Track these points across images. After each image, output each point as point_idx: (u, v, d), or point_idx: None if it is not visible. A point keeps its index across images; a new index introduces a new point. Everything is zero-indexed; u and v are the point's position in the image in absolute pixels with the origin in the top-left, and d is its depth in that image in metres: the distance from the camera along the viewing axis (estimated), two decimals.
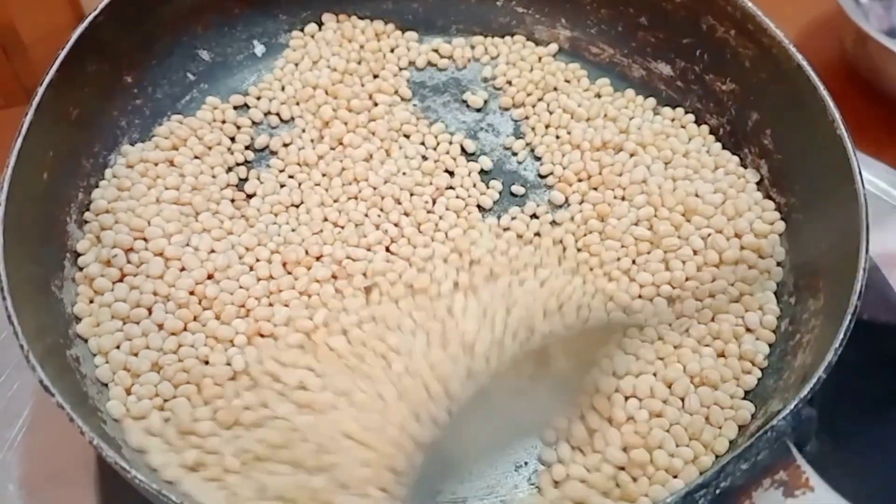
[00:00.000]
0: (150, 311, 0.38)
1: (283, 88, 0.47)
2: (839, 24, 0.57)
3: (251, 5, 0.49)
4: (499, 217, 0.43)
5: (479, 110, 0.48)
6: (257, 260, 0.40)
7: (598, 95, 0.48)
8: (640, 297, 0.40)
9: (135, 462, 0.32)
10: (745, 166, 0.45)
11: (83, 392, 0.35)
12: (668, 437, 0.34)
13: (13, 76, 0.57)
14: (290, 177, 0.44)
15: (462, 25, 0.51)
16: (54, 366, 0.33)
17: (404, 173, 0.44)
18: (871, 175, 0.49)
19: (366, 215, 0.42)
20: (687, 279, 0.40)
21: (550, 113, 0.47)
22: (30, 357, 0.31)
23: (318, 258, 0.40)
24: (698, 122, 0.47)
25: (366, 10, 0.51)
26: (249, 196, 0.43)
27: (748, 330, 0.39)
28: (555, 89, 0.48)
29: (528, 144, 0.47)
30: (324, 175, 0.44)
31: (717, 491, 0.28)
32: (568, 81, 0.49)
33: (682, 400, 0.36)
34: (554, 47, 0.50)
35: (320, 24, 0.50)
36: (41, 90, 0.38)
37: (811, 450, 0.31)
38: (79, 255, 0.39)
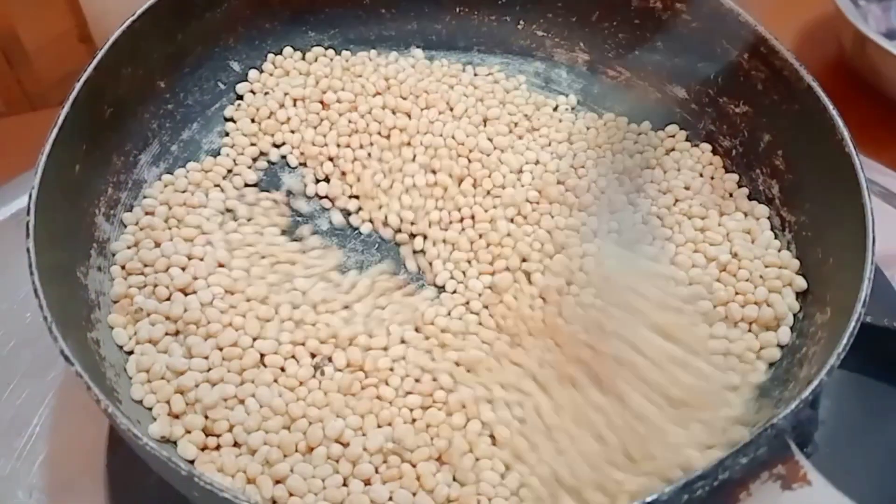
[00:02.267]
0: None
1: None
2: (838, 26, 0.57)
3: (281, 20, 0.51)
4: None
5: None
6: None
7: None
8: None
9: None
10: (758, 188, 0.46)
11: (101, 372, 0.36)
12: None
13: (16, 83, 0.58)
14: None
15: (483, 46, 0.53)
16: (75, 343, 0.34)
17: None
18: (870, 176, 0.49)
19: None
20: None
21: None
22: (53, 328, 0.32)
23: None
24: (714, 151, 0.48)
25: (391, 30, 0.53)
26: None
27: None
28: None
29: None
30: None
31: (716, 483, 0.29)
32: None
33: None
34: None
35: (346, 42, 0.52)
36: (78, 86, 0.40)
37: (812, 451, 0.32)
38: (103, 244, 0.41)
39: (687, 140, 0.48)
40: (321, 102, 0.48)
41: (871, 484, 0.34)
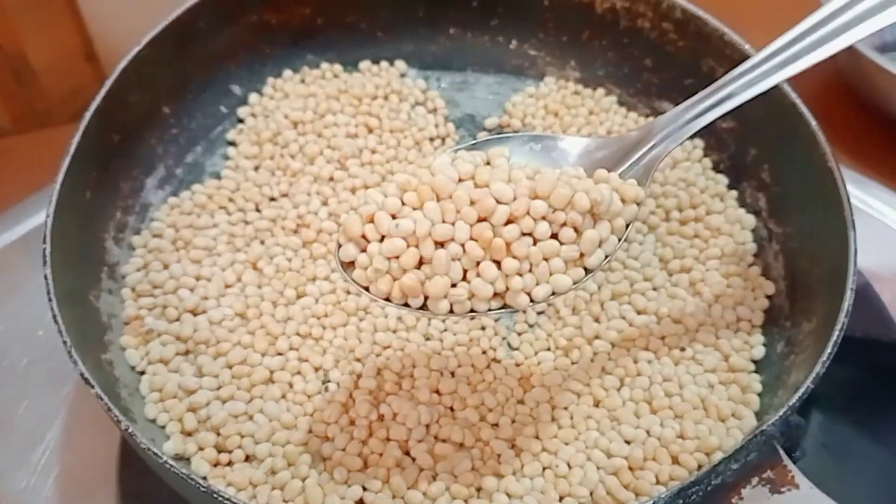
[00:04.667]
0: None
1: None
2: None
3: (281, 45, 0.52)
4: None
5: None
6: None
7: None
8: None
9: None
10: (745, 199, 0.47)
11: (116, 393, 0.37)
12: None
13: (23, 101, 0.59)
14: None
15: (477, 66, 0.54)
16: (91, 365, 0.35)
17: None
18: (864, 193, 0.50)
19: None
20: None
21: None
22: (72, 352, 0.33)
23: None
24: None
25: (387, 52, 0.54)
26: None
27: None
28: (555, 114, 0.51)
29: None
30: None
31: (709, 488, 0.30)
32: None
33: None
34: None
35: (344, 65, 0.53)
36: (88, 115, 0.41)
37: (800, 456, 0.33)
38: (113, 267, 0.42)
39: None
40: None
41: (857, 488, 0.36)
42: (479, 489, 0.36)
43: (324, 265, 0.44)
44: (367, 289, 0.32)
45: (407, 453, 0.37)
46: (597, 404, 0.39)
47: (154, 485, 0.34)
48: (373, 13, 0.53)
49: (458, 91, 0.54)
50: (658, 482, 0.36)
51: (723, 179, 0.48)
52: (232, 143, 0.50)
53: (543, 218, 0.32)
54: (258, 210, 0.47)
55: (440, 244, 0.32)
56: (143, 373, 0.40)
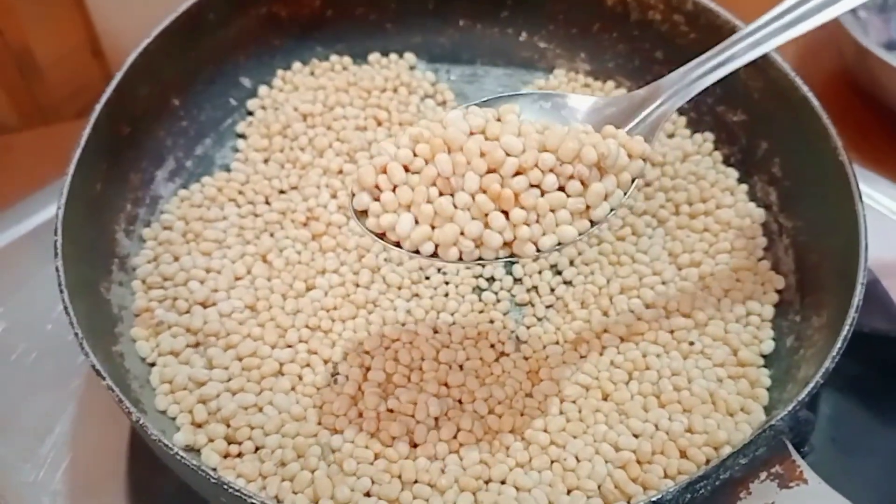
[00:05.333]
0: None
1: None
2: (839, 38, 0.58)
3: (290, 36, 0.52)
4: None
5: None
6: None
7: None
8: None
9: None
10: (755, 193, 0.47)
11: (127, 384, 0.37)
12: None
13: (29, 97, 0.59)
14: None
15: (487, 58, 0.54)
16: (102, 357, 0.35)
17: None
18: (872, 190, 0.50)
19: None
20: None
21: None
22: (84, 344, 0.33)
23: None
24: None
25: (397, 45, 0.54)
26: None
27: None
28: None
29: None
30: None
31: (717, 482, 0.30)
32: None
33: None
34: None
35: (353, 57, 0.53)
36: (98, 107, 0.41)
37: (809, 451, 0.33)
38: (124, 259, 0.42)
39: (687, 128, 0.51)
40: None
41: (865, 483, 0.36)
42: (487, 481, 0.36)
43: (333, 258, 0.44)
44: (381, 236, 0.34)
45: (415, 446, 0.37)
46: (605, 398, 0.39)
47: (163, 478, 0.34)
48: (382, 5, 0.53)
49: (467, 84, 0.54)
50: (666, 476, 0.36)
51: (733, 173, 0.48)
52: (241, 136, 0.50)
53: (551, 170, 0.33)
54: (268, 203, 0.47)
55: (450, 194, 0.33)
56: (153, 364, 0.40)
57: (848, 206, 0.39)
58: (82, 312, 0.36)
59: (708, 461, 0.36)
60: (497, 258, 0.33)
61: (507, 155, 0.32)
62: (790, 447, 0.31)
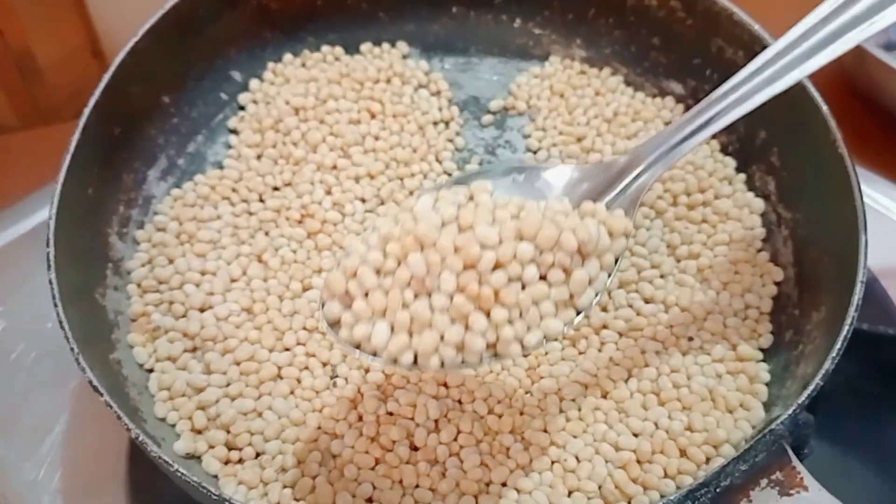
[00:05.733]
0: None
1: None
2: None
3: (281, 30, 0.51)
4: None
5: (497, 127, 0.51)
6: None
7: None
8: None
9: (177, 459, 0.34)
10: (754, 183, 0.47)
11: (125, 393, 0.37)
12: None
13: (29, 97, 0.59)
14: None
15: (481, 46, 0.53)
16: (99, 367, 0.35)
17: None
18: (872, 189, 0.50)
19: None
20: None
21: (566, 124, 0.50)
22: (80, 360, 0.33)
23: None
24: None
25: (389, 33, 0.53)
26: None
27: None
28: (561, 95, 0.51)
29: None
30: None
31: (718, 489, 0.30)
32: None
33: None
34: None
35: (345, 47, 0.52)
36: (87, 110, 0.40)
37: (809, 453, 0.33)
38: (118, 263, 0.42)
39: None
40: None
41: (863, 485, 0.36)
42: (488, 484, 0.36)
43: (329, 256, 0.44)
44: (356, 347, 0.31)
45: (415, 448, 0.37)
46: (604, 395, 0.39)
47: (163, 478, 0.34)
48: None
49: (461, 72, 0.53)
50: (666, 476, 0.36)
51: (731, 162, 0.48)
52: (233, 131, 0.49)
53: (531, 261, 0.31)
54: (262, 200, 0.46)
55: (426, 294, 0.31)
56: (151, 370, 0.40)
57: (847, 200, 0.39)
58: (78, 321, 0.36)
59: (708, 460, 0.36)
60: (481, 361, 0.31)
61: (484, 247, 0.31)
62: (790, 453, 0.31)
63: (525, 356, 0.32)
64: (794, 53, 0.35)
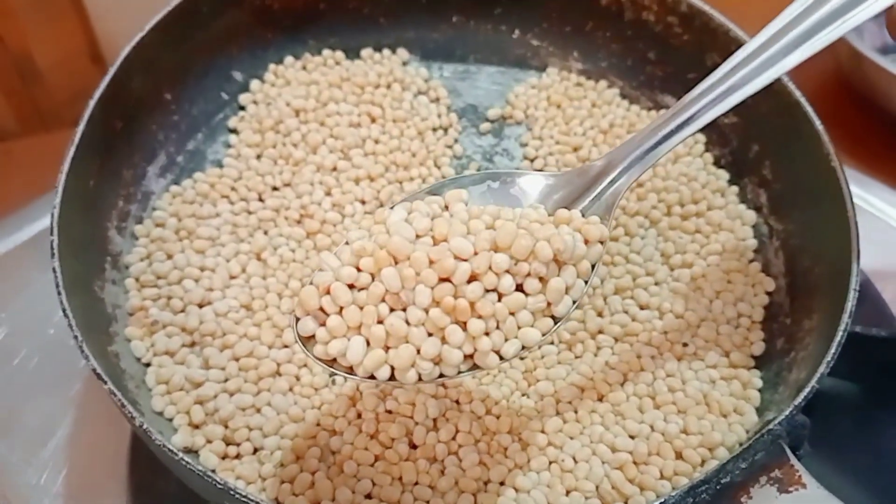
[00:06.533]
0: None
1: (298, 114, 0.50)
2: (834, 43, 0.58)
3: (282, 31, 0.52)
4: None
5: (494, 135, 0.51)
6: None
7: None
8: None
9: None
10: (746, 195, 0.48)
11: (124, 385, 0.37)
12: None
13: (29, 101, 0.60)
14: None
15: (480, 55, 0.54)
16: (100, 360, 0.35)
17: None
18: (866, 192, 0.51)
19: None
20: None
21: (562, 134, 0.50)
22: (83, 347, 0.33)
23: None
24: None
25: (389, 39, 0.54)
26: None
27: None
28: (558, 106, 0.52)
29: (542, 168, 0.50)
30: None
31: (718, 487, 0.31)
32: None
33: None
34: None
35: (346, 52, 0.53)
36: (92, 102, 0.40)
37: (804, 453, 0.34)
38: (116, 257, 0.42)
39: None
40: None
41: (857, 484, 0.36)
42: (486, 483, 0.37)
43: (328, 257, 0.44)
44: (331, 363, 0.31)
45: (414, 447, 0.37)
46: (601, 398, 0.40)
47: (164, 480, 0.34)
48: None
49: (460, 80, 0.54)
50: (662, 477, 0.36)
51: (724, 175, 0.49)
52: (233, 131, 0.49)
53: (507, 271, 0.31)
54: (261, 199, 0.46)
55: (402, 308, 0.31)
56: (148, 364, 0.39)
57: (839, 211, 0.40)
58: (78, 313, 0.35)
59: (703, 462, 0.36)
60: (459, 373, 0.31)
61: (458, 260, 0.30)
62: (788, 452, 0.31)
63: (502, 363, 0.31)
64: (768, 53, 0.35)
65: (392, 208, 0.33)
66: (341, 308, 0.31)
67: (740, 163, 0.48)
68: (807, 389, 0.34)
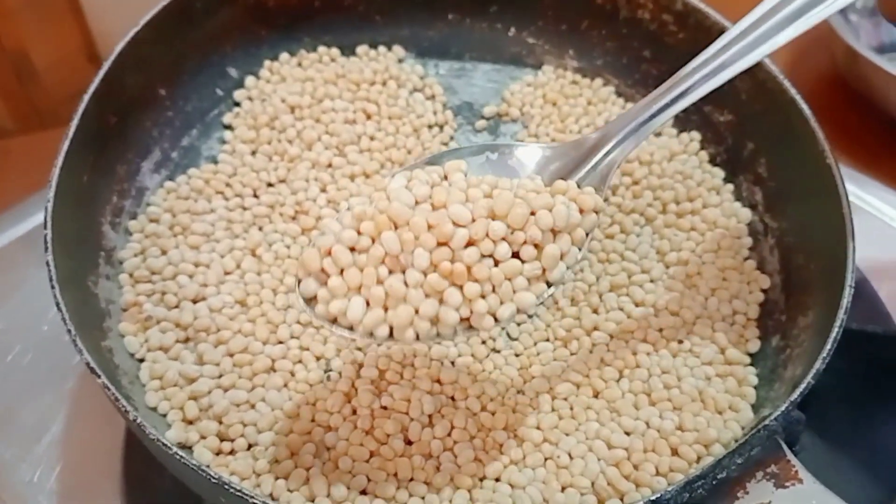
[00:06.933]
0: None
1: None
2: (830, 41, 0.58)
3: (277, 27, 0.51)
4: None
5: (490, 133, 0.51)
6: None
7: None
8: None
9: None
10: (741, 193, 0.48)
11: (117, 381, 0.37)
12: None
13: (26, 101, 0.60)
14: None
15: (475, 53, 0.54)
16: (94, 354, 0.35)
17: None
18: (862, 190, 0.51)
19: None
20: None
21: (558, 132, 0.50)
22: (77, 341, 0.33)
23: None
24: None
25: (385, 36, 0.54)
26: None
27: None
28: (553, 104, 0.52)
29: None
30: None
31: (714, 482, 0.31)
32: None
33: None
34: None
35: (341, 49, 0.53)
36: (87, 97, 0.40)
37: (800, 449, 0.34)
38: (110, 252, 0.42)
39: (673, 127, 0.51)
40: None
41: (857, 482, 0.37)
42: (482, 479, 0.37)
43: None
44: (333, 321, 0.32)
45: (410, 443, 0.37)
46: (596, 395, 0.40)
47: (158, 476, 0.34)
48: None
49: (455, 78, 0.54)
50: (658, 473, 0.36)
51: (719, 173, 0.49)
52: (228, 127, 0.49)
53: (503, 238, 0.32)
54: (256, 196, 0.46)
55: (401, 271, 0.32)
56: (142, 360, 0.39)
57: (834, 209, 0.40)
58: (72, 307, 0.35)
59: (699, 459, 0.36)
60: (456, 334, 0.32)
61: (456, 226, 0.31)
62: (784, 447, 0.31)
63: (498, 325, 0.32)
64: (760, 31, 0.35)
65: (392, 176, 0.34)
66: (342, 270, 0.32)
67: (735, 161, 0.48)
68: (802, 386, 0.34)
